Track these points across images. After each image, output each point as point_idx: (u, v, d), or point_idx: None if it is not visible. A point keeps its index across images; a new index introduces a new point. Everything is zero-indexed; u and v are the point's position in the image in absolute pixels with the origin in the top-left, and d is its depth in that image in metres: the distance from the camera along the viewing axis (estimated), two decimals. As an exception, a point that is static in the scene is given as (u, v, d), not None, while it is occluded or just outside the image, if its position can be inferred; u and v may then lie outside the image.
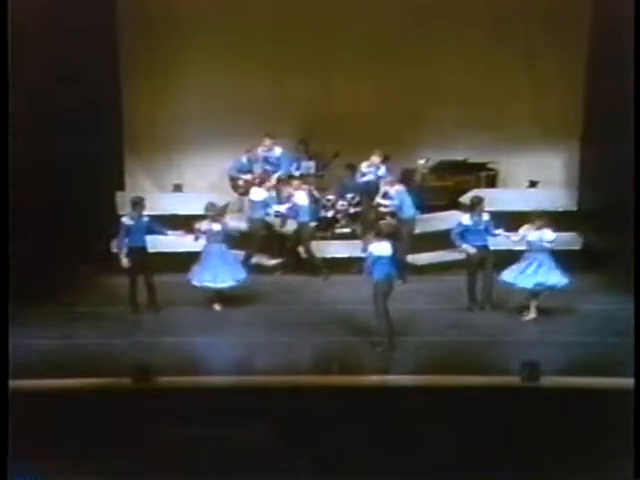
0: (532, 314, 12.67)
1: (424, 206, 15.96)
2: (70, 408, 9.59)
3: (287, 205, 14.81)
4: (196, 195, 16.58)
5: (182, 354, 11.53)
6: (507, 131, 16.51)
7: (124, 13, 16.10)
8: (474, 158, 16.98)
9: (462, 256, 13.39)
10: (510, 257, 13.14)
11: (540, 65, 16.38)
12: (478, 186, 16.56)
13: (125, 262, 12.86)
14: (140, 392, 10.07)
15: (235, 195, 16.16)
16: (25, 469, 8.45)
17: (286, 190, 15.24)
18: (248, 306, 13.40)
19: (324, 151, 16.29)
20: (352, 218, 15.85)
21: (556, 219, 15.30)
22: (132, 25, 16.15)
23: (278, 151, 15.90)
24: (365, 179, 15.32)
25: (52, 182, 13.59)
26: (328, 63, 16.37)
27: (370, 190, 15.24)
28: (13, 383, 8.90)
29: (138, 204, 13.06)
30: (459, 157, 16.96)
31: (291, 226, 15.11)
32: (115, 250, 13.49)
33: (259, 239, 14.95)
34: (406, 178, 15.63)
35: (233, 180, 16.16)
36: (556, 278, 12.57)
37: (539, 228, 12.70)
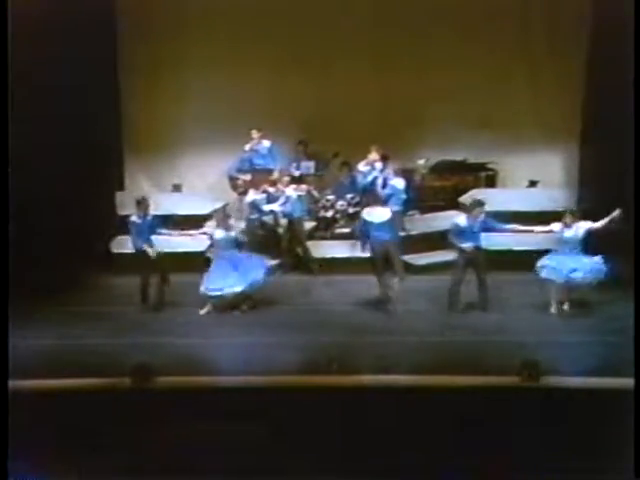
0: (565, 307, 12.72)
1: (423, 206, 16.07)
2: (70, 408, 9.59)
3: (279, 202, 14.79)
4: (195, 195, 16.66)
5: (181, 355, 11.52)
6: (507, 131, 16.50)
7: (123, 13, 16.10)
8: (474, 158, 16.98)
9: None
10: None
11: (539, 65, 16.37)
12: (478, 186, 16.59)
13: (151, 252, 12.89)
14: (140, 392, 10.06)
15: (235, 195, 16.22)
16: (25, 469, 8.45)
17: (278, 188, 15.21)
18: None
19: (324, 151, 16.29)
20: (351, 218, 15.84)
21: (556, 219, 15.43)
22: (131, 25, 16.17)
23: (267, 143, 15.85)
24: (368, 179, 15.25)
25: (52, 182, 13.60)
26: (328, 63, 16.37)
27: (371, 190, 15.23)
28: (13, 383, 8.91)
29: (142, 203, 13.08)
30: (459, 157, 16.95)
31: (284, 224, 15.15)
32: (116, 250, 13.48)
33: (256, 239, 14.98)
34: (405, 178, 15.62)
35: (232, 180, 16.18)
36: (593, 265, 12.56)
37: (569, 225, 12.64)
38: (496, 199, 15.20)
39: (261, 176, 15.51)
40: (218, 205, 16.24)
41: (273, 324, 12.57)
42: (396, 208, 14.53)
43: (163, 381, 10.28)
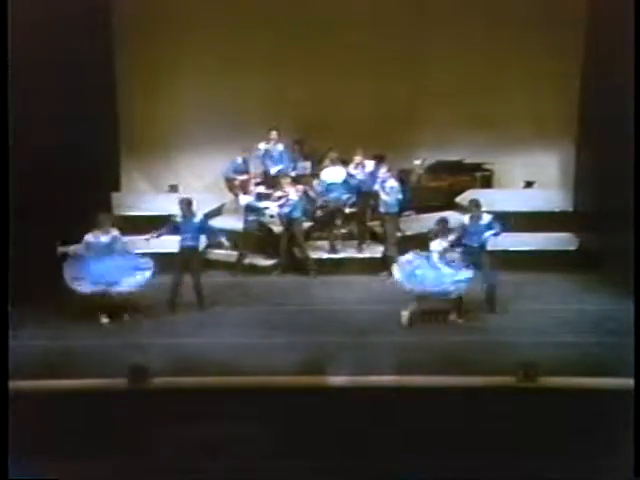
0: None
1: (419, 207, 16.07)
2: (69, 408, 9.59)
3: (279, 202, 14.80)
4: (192, 196, 16.62)
5: (180, 355, 11.51)
6: (503, 131, 16.54)
7: (120, 14, 16.08)
8: (470, 159, 17.03)
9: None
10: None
11: (535, 65, 16.38)
12: (474, 186, 16.62)
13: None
14: (136, 393, 10.06)
15: (231, 195, 16.23)
16: (25, 469, 8.45)
17: (280, 188, 15.23)
18: (245, 307, 13.39)
19: (320, 152, 16.29)
20: (348, 218, 15.85)
21: (552, 220, 15.50)
22: (128, 26, 16.14)
23: (281, 147, 15.96)
24: (355, 180, 15.27)
25: (48, 183, 13.56)
26: (325, 64, 16.37)
27: (365, 190, 15.24)
28: (12, 384, 8.91)
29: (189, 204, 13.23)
30: (455, 158, 16.99)
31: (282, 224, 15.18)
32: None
33: (254, 239, 14.98)
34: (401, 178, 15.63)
35: (229, 181, 16.18)
36: None
37: None
38: (492, 200, 15.27)
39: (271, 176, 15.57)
40: (216, 205, 16.37)
41: (269, 325, 12.57)
42: (394, 209, 14.58)
43: (160, 382, 10.29)
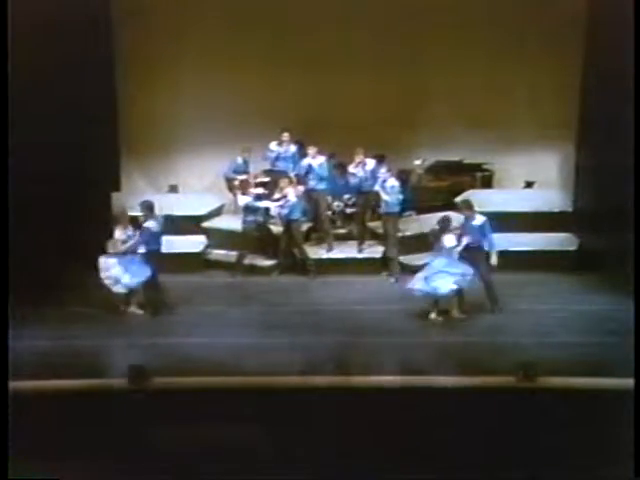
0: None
1: (420, 207, 16.06)
2: (69, 408, 9.59)
3: (279, 202, 14.79)
4: (192, 196, 16.66)
5: (179, 355, 11.51)
6: (503, 132, 16.53)
7: (120, 14, 16.06)
8: (470, 159, 17.01)
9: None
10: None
11: (535, 65, 16.38)
12: (474, 187, 16.62)
13: None
14: (137, 393, 10.06)
15: (231, 195, 16.24)
16: (25, 469, 8.45)
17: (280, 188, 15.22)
18: (244, 307, 13.38)
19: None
20: (348, 218, 15.85)
21: (552, 220, 15.49)
22: (128, 26, 16.12)
23: (293, 148, 15.92)
24: (355, 179, 15.26)
25: (48, 183, 13.56)
26: (325, 65, 16.35)
27: (365, 190, 15.23)
28: (12, 384, 8.91)
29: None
30: (455, 158, 16.98)
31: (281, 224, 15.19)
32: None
33: (253, 240, 14.98)
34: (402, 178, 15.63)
35: (229, 181, 16.18)
36: None
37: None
38: (492, 200, 15.29)
39: (277, 178, 15.53)
40: (215, 205, 16.36)
41: (268, 325, 12.55)
42: (395, 209, 14.58)
43: (160, 382, 10.29)
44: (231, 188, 16.17)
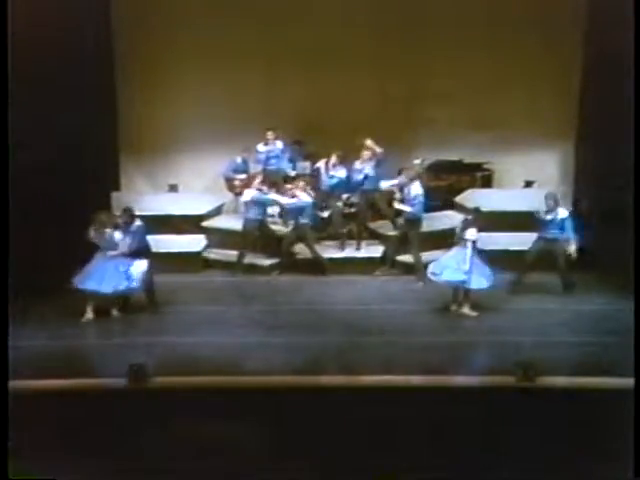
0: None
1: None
2: (69, 408, 9.59)
3: (292, 200, 14.78)
4: (192, 195, 16.65)
5: (178, 355, 11.51)
6: (502, 131, 16.51)
7: (120, 14, 16.08)
8: (469, 158, 17.00)
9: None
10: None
11: (535, 64, 16.38)
12: (473, 186, 16.61)
13: None
14: (136, 392, 10.06)
15: (230, 195, 16.24)
16: (25, 469, 8.44)
17: (289, 188, 15.22)
18: (243, 306, 13.38)
19: (319, 152, 16.28)
20: (348, 218, 15.84)
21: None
22: (127, 25, 16.14)
23: (280, 144, 15.98)
24: (362, 175, 15.24)
25: (48, 183, 13.57)
26: (324, 64, 16.34)
27: (365, 190, 15.23)
28: (12, 384, 8.91)
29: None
30: (454, 157, 16.98)
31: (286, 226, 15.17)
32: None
33: (254, 239, 14.98)
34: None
35: (229, 180, 16.20)
36: None
37: None
38: (492, 199, 15.28)
39: (273, 175, 15.63)
40: (215, 205, 16.36)
41: (268, 325, 12.55)
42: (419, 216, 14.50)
43: (159, 381, 10.29)
44: (231, 188, 16.18)
